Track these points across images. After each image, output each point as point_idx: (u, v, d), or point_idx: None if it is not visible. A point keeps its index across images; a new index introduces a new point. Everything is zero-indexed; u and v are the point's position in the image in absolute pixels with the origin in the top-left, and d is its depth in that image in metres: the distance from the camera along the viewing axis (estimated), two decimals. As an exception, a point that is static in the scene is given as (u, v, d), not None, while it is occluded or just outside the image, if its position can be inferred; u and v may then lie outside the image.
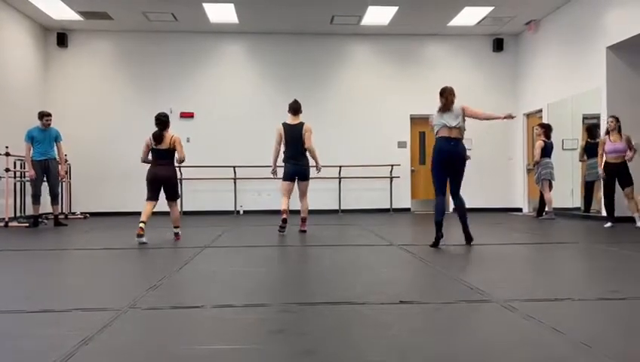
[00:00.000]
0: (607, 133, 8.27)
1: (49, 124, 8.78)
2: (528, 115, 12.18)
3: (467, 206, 5.94)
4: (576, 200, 10.32)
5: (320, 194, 11.85)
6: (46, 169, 8.74)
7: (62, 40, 11.80)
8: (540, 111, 11.52)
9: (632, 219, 8.19)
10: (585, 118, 10.40)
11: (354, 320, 2.86)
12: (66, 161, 11.12)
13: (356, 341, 2.53)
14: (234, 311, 3.06)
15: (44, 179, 8.82)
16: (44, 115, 8.79)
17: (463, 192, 5.97)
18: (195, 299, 3.35)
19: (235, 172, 11.85)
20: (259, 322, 2.84)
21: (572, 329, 2.63)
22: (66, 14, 10.81)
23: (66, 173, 11.26)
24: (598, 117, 9.50)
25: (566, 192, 10.60)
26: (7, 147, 9.17)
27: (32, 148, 8.68)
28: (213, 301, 3.27)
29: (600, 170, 8.42)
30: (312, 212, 11.07)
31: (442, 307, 3.16)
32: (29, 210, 9.28)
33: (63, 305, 3.20)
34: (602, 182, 8.49)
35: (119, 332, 2.66)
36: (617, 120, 8.20)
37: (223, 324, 2.82)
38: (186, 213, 11.67)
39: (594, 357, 2.26)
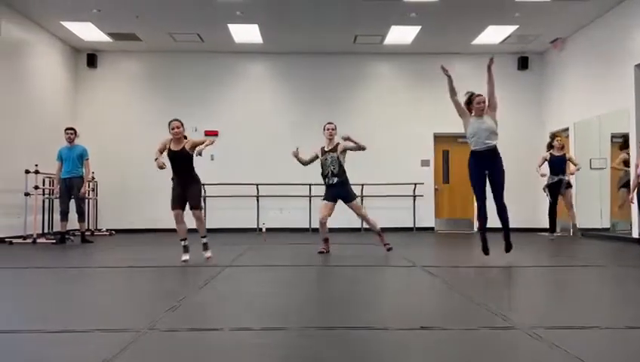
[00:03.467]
0: None
1: (71, 140, 8.90)
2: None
3: (489, 226, 6.17)
4: (605, 221, 10.06)
5: (342, 213, 11.77)
6: (70, 187, 8.88)
7: (92, 61, 12.11)
8: (567, 130, 11.32)
9: None
10: (613, 137, 10.20)
11: (372, 347, 2.81)
12: (93, 178, 11.34)
13: (374, 368, 2.48)
14: (251, 334, 3.03)
15: (71, 196, 8.98)
16: (66, 130, 8.99)
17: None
18: (213, 321, 3.34)
19: (257, 190, 11.90)
20: (275, 347, 2.81)
21: (598, 359, 2.54)
22: (96, 36, 11.11)
23: (93, 190, 11.49)
24: (626, 136, 9.31)
25: (595, 213, 10.35)
26: (36, 165, 9.39)
27: (62, 167, 8.89)
28: (231, 323, 3.26)
29: (633, 195, 8.41)
30: (334, 230, 11.09)
31: (464, 334, 3.08)
32: (57, 227, 9.45)
33: (83, 325, 3.22)
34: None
35: (136, 355, 2.66)
36: None
37: (239, 349, 2.80)
38: (208, 231, 11.68)
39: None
